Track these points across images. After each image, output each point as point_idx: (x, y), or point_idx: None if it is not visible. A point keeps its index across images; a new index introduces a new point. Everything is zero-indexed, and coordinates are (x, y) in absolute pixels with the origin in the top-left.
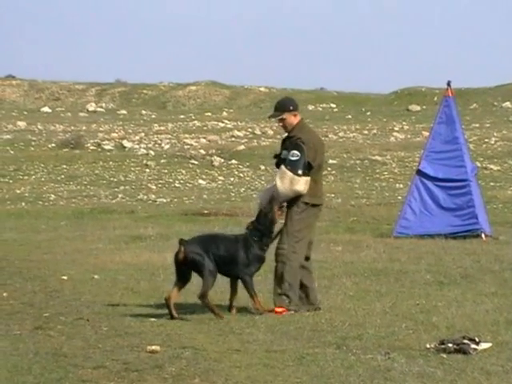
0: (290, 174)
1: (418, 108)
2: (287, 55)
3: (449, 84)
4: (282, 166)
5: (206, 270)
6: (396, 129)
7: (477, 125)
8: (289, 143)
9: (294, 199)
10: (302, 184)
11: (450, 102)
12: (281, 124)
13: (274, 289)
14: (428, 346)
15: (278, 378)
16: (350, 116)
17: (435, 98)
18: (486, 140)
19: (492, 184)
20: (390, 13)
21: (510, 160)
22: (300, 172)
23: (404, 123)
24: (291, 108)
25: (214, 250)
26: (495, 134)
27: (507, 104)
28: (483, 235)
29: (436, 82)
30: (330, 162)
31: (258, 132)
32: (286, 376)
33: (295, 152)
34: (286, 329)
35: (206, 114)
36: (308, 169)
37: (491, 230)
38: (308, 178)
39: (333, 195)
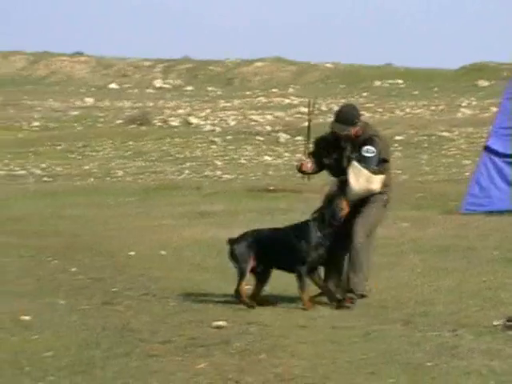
0: (366, 172)
1: (487, 83)
2: (353, 31)
3: None
4: (356, 163)
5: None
6: (464, 104)
7: None
8: (355, 143)
9: (376, 194)
10: (377, 182)
11: None
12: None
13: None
14: (495, 323)
15: (344, 355)
16: (416, 92)
17: (504, 74)
18: None
19: None
20: None
21: None
22: (376, 169)
23: (472, 99)
24: (356, 121)
25: (261, 246)
26: None
27: None
28: None
29: (504, 56)
30: (397, 138)
31: (324, 108)
32: (352, 352)
33: (370, 148)
34: (352, 305)
35: (272, 90)
36: (382, 165)
37: None
38: (383, 176)
39: (399, 171)
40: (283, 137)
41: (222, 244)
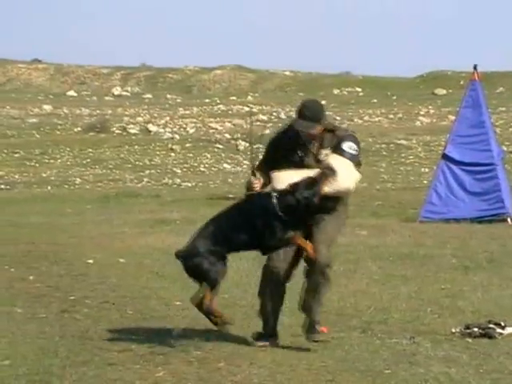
0: (352, 167)
1: (444, 92)
2: (312, 39)
3: (475, 68)
4: (339, 157)
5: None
6: (422, 113)
7: (503, 108)
8: (324, 138)
9: (338, 201)
10: (355, 182)
11: (477, 86)
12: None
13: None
14: (453, 330)
15: (303, 362)
16: (375, 100)
17: (461, 82)
18: (497, 124)
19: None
20: None
21: None
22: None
23: (430, 107)
24: (322, 118)
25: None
26: None
27: None
28: (509, 220)
29: (462, 65)
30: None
31: (283, 116)
32: (311, 360)
33: (353, 145)
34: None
35: (231, 98)
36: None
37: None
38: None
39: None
40: (242, 144)
41: None
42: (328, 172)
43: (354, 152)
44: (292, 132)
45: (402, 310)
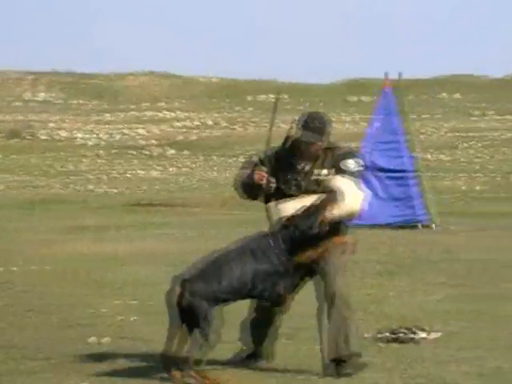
0: (357, 185)
1: (356, 99)
2: (237, 45)
3: (386, 75)
4: (343, 178)
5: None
6: (334, 119)
7: (414, 116)
8: (321, 157)
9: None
10: (361, 203)
11: (388, 94)
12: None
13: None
14: (379, 335)
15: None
16: (301, 107)
17: (375, 90)
18: (423, 131)
19: (436, 174)
20: (328, 4)
21: (445, 151)
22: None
23: (343, 114)
24: (329, 131)
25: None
26: (442, 124)
27: (444, 95)
28: (420, 225)
29: (377, 72)
30: None
31: (209, 122)
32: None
33: (359, 160)
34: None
35: (159, 104)
36: None
37: (432, 220)
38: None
39: None
40: (169, 151)
41: (107, 258)
42: (333, 196)
43: (359, 167)
44: (294, 143)
45: None
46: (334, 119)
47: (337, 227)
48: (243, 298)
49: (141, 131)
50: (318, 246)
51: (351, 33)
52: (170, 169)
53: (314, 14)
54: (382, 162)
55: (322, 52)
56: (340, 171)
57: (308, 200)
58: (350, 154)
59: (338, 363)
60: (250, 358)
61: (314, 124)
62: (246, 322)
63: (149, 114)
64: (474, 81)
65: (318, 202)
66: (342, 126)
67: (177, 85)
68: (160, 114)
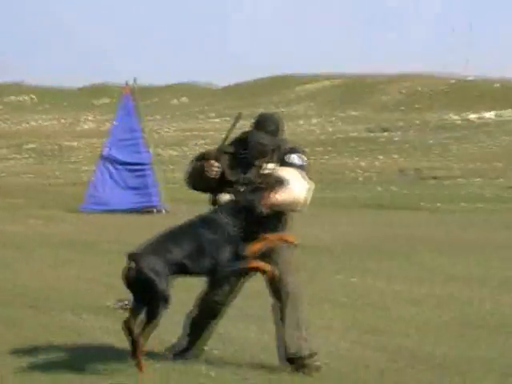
0: (303, 175)
1: (105, 101)
2: None
3: (127, 83)
4: (288, 168)
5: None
6: (82, 119)
7: (149, 117)
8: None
9: (281, 219)
10: (307, 191)
11: (128, 98)
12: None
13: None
14: (108, 304)
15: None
16: (48, 106)
17: (116, 94)
18: (159, 131)
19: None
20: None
21: (175, 147)
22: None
23: (88, 114)
24: (282, 132)
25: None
26: (170, 125)
27: (175, 101)
28: (155, 210)
29: (123, 78)
30: (30, 146)
31: None
32: None
33: (302, 156)
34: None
35: None
36: None
37: (164, 206)
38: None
39: (32, 176)
40: None
41: None
42: (277, 181)
43: (303, 162)
44: (248, 142)
45: (68, 289)
46: (82, 119)
47: (280, 220)
48: (192, 270)
49: None
50: (264, 237)
51: (86, 42)
52: None
53: (79, 20)
54: (121, 157)
55: (70, 58)
56: (286, 164)
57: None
58: (295, 150)
59: (297, 361)
60: (182, 353)
61: (268, 125)
62: (188, 317)
63: None
64: (198, 88)
65: (264, 184)
66: (87, 125)
67: None
68: None
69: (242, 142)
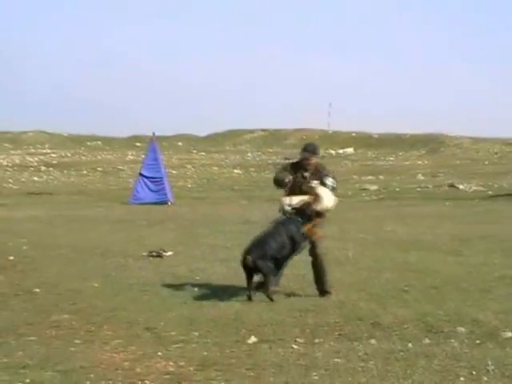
0: (333, 196)
1: (138, 144)
2: None
3: (153, 133)
4: (325, 188)
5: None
6: (128, 154)
7: (166, 152)
8: (315, 172)
9: (321, 214)
10: (333, 203)
11: (153, 142)
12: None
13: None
14: (143, 253)
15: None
16: (108, 147)
17: (147, 140)
18: (169, 159)
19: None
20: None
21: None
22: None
23: (131, 151)
24: (318, 153)
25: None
26: (175, 157)
27: (179, 143)
28: (169, 203)
29: (148, 130)
30: (99, 169)
31: None
32: None
33: (334, 181)
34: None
35: None
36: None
37: (172, 200)
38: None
39: (99, 184)
40: None
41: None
42: (318, 197)
43: (334, 185)
44: (295, 162)
45: (121, 245)
46: (128, 154)
47: (320, 216)
48: (287, 255)
49: None
50: (311, 223)
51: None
52: None
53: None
54: (148, 174)
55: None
56: (323, 184)
57: (304, 198)
58: (330, 175)
59: (325, 293)
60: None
61: (309, 147)
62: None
63: None
64: (188, 136)
65: (310, 199)
66: (130, 158)
67: None
68: None
69: (296, 164)
